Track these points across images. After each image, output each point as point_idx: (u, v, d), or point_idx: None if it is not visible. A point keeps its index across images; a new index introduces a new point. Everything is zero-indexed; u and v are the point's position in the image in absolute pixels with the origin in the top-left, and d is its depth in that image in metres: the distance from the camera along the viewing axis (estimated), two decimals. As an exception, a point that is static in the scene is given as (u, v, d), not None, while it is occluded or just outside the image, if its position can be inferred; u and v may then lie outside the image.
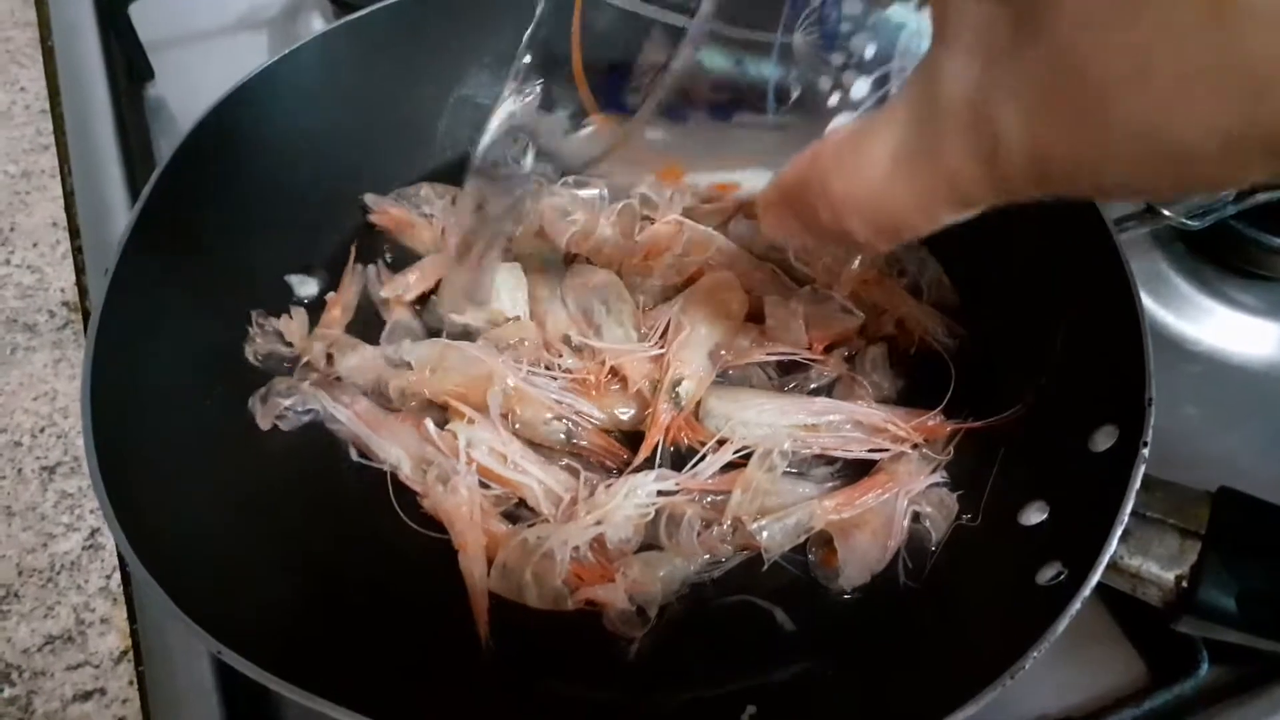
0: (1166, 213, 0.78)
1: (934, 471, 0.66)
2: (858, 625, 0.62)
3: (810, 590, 0.64)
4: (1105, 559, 0.53)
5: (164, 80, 1.01)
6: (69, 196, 0.91)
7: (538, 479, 0.64)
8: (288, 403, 0.68)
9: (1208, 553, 0.55)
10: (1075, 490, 0.60)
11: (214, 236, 0.72)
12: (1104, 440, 0.59)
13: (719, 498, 0.65)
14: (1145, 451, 0.56)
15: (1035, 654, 0.50)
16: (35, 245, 0.87)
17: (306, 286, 0.77)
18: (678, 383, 0.66)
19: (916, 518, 0.65)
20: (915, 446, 0.66)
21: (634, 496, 0.62)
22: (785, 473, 0.66)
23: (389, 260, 0.80)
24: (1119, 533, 0.53)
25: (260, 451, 0.69)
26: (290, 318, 0.73)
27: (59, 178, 0.93)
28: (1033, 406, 0.66)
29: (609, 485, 0.63)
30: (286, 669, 0.49)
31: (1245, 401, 0.78)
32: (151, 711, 0.61)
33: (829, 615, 0.63)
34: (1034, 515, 0.62)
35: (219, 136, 0.72)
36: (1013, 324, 0.72)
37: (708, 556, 0.63)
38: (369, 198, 0.81)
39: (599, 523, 0.61)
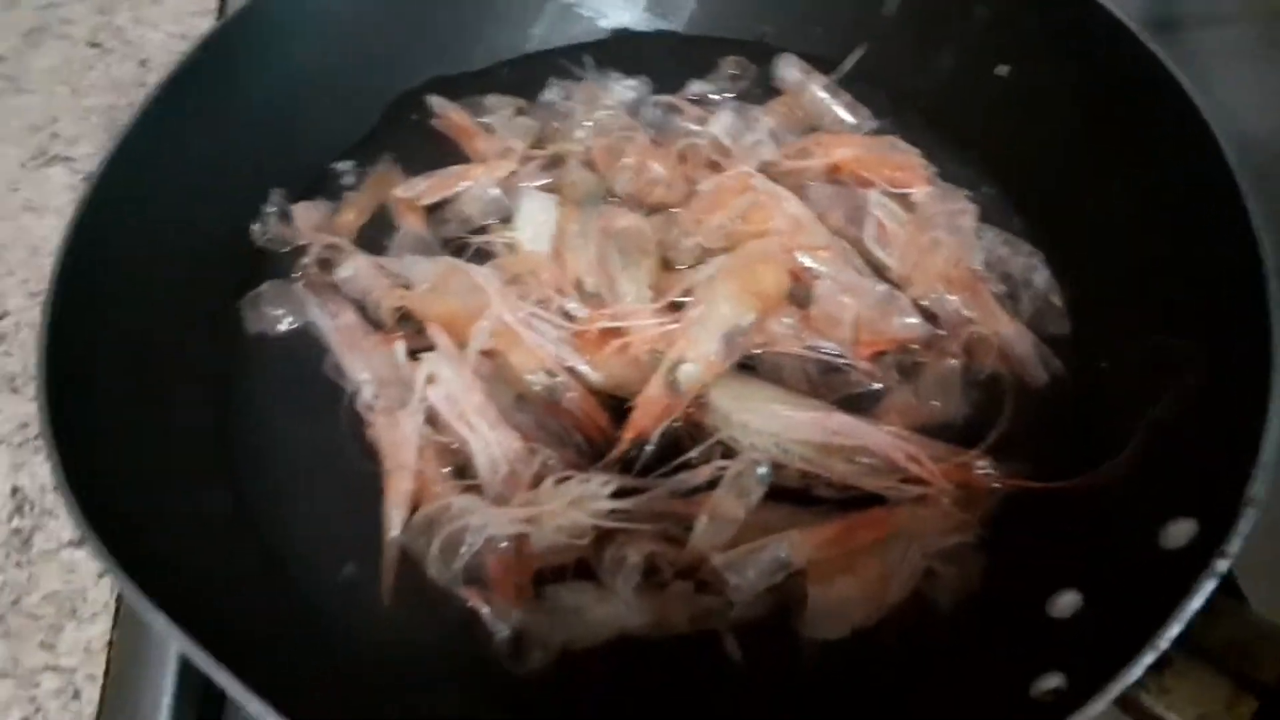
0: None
1: (961, 529, 0.54)
2: (822, 681, 0.52)
3: (775, 628, 0.53)
4: (1116, 689, 0.41)
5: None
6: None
7: (485, 439, 0.56)
8: (278, 311, 0.65)
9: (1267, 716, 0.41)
10: (1122, 589, 0.48)
11: (258, 109, 0.68)
12: (1178, 537, 0.47)
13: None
14: (1222, 565, 0.43)
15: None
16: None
17: (349, 177, 0.72)
18: (679, 364, 0.57)
19: (927, 573, 0.53)
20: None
21: (581, 506, 0.53)
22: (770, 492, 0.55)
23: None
24: (1150, 658, 0.42)
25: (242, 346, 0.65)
26: (310, 205, 0.69)
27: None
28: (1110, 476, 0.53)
29: (561, 480, 0.54)
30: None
31: None
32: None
33: (791, 661, 0.52)
34: (1063, 606, 0.50)
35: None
36: (1122, 366, 0.58)
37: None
38: (435, 100, 0.75)
39: (528, 520, 0.53)
